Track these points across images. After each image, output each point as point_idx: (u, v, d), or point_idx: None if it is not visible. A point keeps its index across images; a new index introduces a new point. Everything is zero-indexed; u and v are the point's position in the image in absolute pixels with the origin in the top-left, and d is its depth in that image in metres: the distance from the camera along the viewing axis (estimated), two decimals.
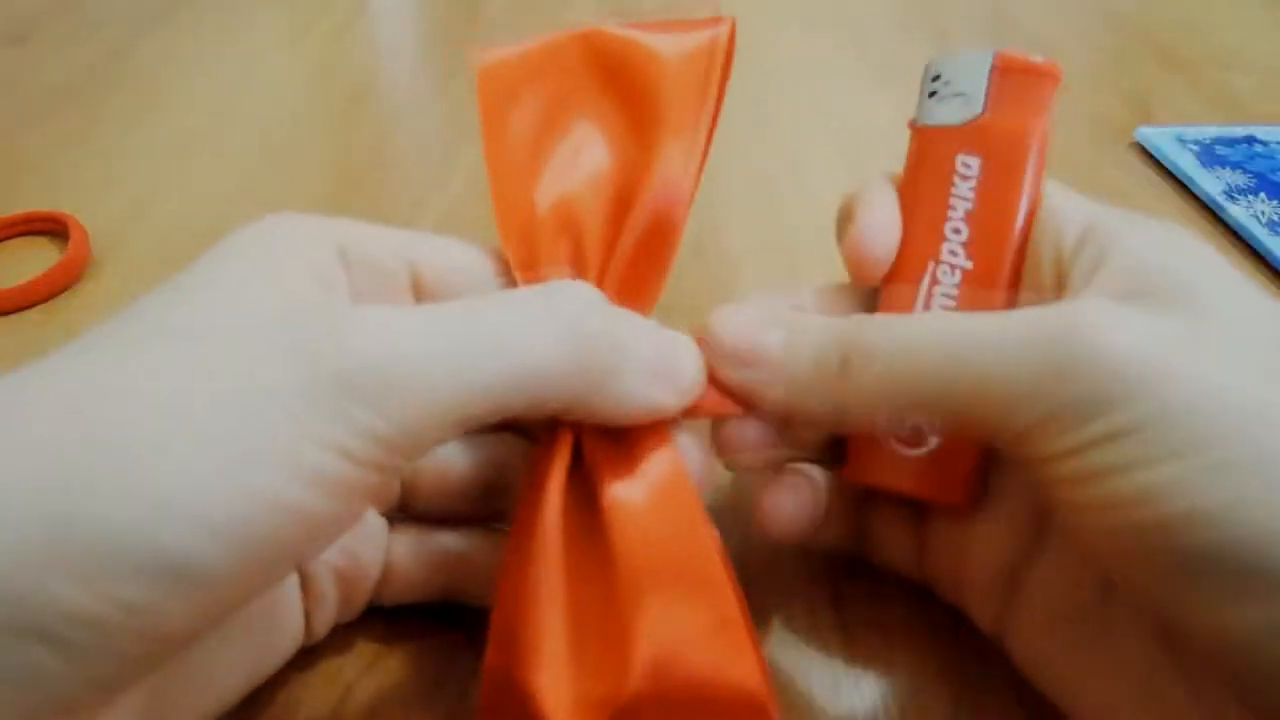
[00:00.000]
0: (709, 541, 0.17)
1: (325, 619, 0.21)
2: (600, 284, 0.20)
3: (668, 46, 0.21)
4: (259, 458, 0.14)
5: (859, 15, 0.59)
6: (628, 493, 0.18)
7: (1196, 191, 0.40)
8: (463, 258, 0.21)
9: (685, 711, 0.16)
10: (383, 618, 0.22)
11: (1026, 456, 0.17)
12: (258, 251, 0.17)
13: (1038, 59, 0.21)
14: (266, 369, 0.14)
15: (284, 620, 0.20)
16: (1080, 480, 0.16)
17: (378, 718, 0.20)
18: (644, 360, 0.18)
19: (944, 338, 0.17)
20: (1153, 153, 0.43)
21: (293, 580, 0.20)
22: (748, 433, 0.20)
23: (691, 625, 0.16)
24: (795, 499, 0.21)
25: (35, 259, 0.35)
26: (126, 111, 0.46)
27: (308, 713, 0.20)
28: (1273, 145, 0.43)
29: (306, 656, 0.21)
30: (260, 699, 0.21)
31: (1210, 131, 0.44)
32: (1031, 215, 0.20)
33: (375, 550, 0.21)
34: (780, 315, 0.20)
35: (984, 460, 0.21)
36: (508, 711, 0.16)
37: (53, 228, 0.36)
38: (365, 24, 0.58)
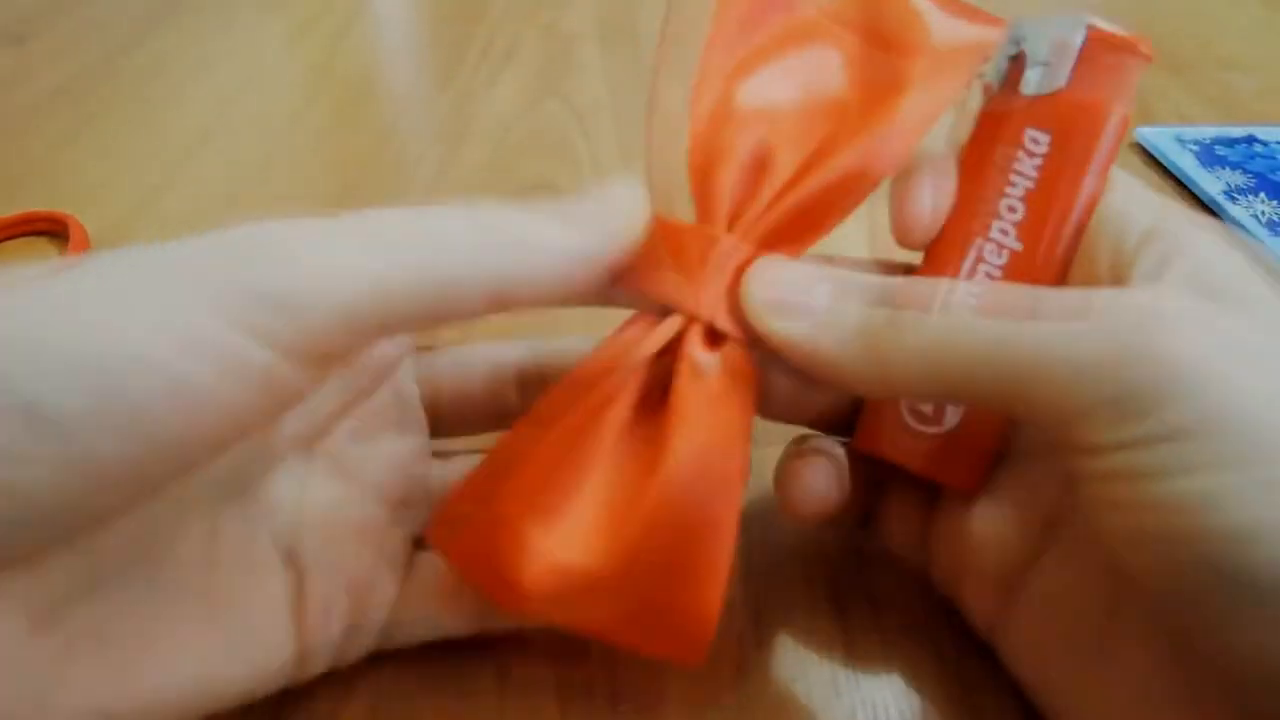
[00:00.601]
0: (736, 484, 0.18)
1: (327, 638, 0.19)
2: (745, 215, 0.19)
3: (941, 23, 0.20)
4: (126, 316, 0.13)
5: None
6: (697, 403, 0.18)
7: (1196, 192, 0.40)
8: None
9: (640, 612, 0.17)
10: None
11: (1068, 443, 0.16)
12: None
13: (1131, 35, 0.19)
14: (151, 251, 0.14)
15: (262, 623, 0.18)
16: (1121, 477, 0.15)
17: (378, 717, 0.20)
18: (552, 215, 0.17)
19: None
20: (1152, 153, 0.43)
21: (276, 582, 0.19)
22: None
23: (682, 556, 0.17)
24: (825, 479, 0.20)
25: (35, 259, 0.35)
26: (126, 111, 0.46)
27: (308, 712, 0.20)
28: (1272, 145, 0.43)
29: None
30: (260, 698, 0.21)
31: (1210, 132, 0.44)
32: (1093, 204, 0.19)
33: (389, 572, 0.20)
34: (826, 270, 0.19)
35: (999, 446, 0.20)
36: (476, 552, 0.17)
37: (53, 228, 0.36)
38: (365, 24, 0.58)
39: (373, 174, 0.41)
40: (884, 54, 0.20)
